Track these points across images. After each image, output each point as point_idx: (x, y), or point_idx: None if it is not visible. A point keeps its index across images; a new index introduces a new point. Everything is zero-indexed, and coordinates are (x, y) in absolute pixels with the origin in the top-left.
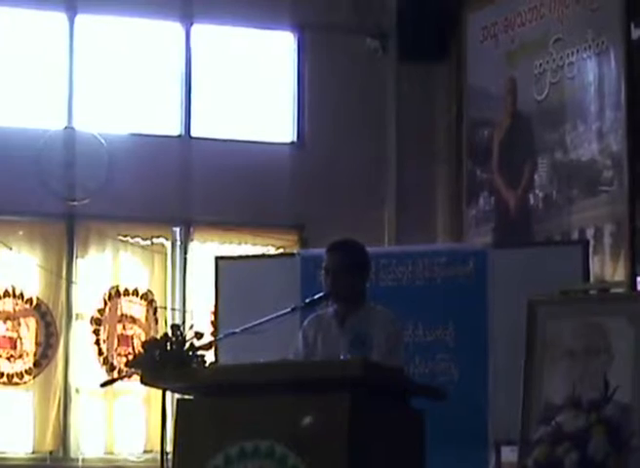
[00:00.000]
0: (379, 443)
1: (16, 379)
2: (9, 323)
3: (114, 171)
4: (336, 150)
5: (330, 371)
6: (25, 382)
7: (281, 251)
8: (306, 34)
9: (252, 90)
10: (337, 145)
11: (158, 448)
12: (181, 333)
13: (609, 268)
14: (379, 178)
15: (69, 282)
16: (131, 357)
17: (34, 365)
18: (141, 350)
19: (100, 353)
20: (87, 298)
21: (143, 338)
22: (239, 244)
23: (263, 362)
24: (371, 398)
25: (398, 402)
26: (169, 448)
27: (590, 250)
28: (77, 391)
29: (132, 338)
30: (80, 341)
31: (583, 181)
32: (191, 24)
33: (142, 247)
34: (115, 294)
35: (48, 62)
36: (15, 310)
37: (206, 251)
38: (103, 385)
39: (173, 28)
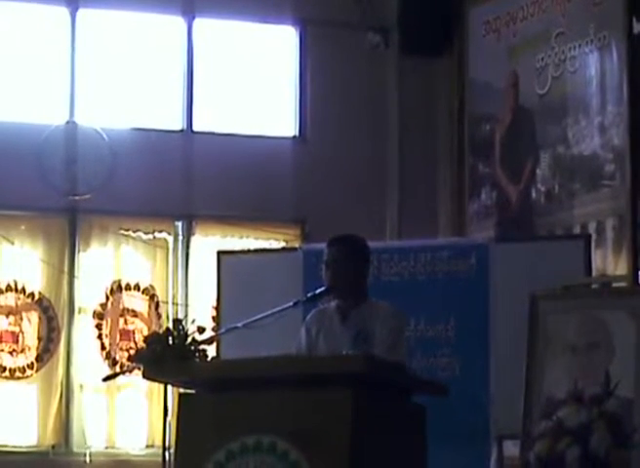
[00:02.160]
0: (380, 438)
1: (18, 374)
2: (11, 317)
3: (116, 165)
4: (338, 144)
5: (332, 367)
6: (28, 377)
7: (283, 245)
8: (308, 28)
9: (254, 84)
10: (339, 140)
11: (160, 442)
12: (183, 328)
13: (611, 262)
14: (381, 173)
15: (71, 276)
16: (133, 351)
17: (36, 359)
18: (144, 344)
19: (103, 347)
20: (89, 293)
21: (145, 333)
22: (241, 238)
23: (265, 356)
24: (373, 393)
25: (400, 397)
26: (171, 442)
27: (592, 244)
28: (79, 385)
29: (134, 333)
30: (82, 336)
31: (585, 176)
32: (193, 19)
33: (145, 241)
34: (117, 289)
35: (50, 57)
36: (17, 304)
37: (208, 245)
38: (106, 380)
39: (175, 22)
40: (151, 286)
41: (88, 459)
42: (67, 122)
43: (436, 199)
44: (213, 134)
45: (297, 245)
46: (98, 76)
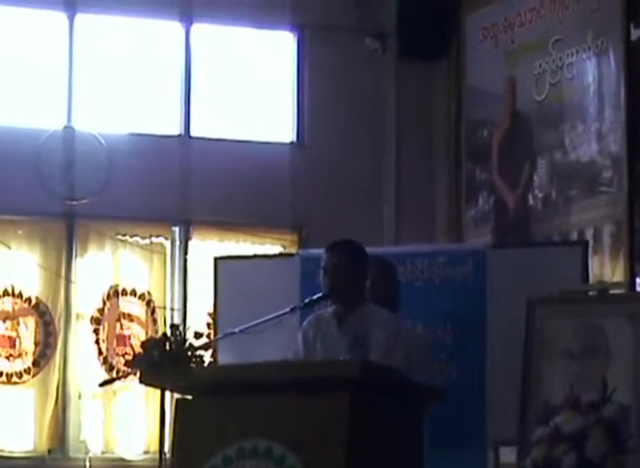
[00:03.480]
0: (377, 443)
1: (15, 379)
2: (8, 322)
3: (114, 170)
4: (335, 150)
5: (329, 372)
6: (24, 382)
7: (280, 251)
8: (306, 34)
9: (251, 90)
10: (336, 145)
11: (157, 447)
12: (180, 333)
13: (608, 269)
14: (378, 178)
15: (68, 281)
16: (129, 357)
17: (33, 364)
18: (141, 350)
19: (100, 352)
20: (86, 298)
21: (142, 338)
22: (238, 243)
23: (262, 362)
24: (370, 398)
25: (397, 402)
26: (167, 447)
27: (589, 250)
28: (76, 390)
29: (130, 338)
30: (79, 341)
31: (583, 182)
32: (191, 24)
33: (142, 246)
34: (114, 294)
35: (47, 62)
36: (14, 309)
37: (205, 250)
38: (102, 385)
39: (172, 28)
40: (148, 291)
41: (85, 464)
42: (65, 127)
43: (433, 205)
44: (210, 139)
45: (294, 250)
46: (95, 81)
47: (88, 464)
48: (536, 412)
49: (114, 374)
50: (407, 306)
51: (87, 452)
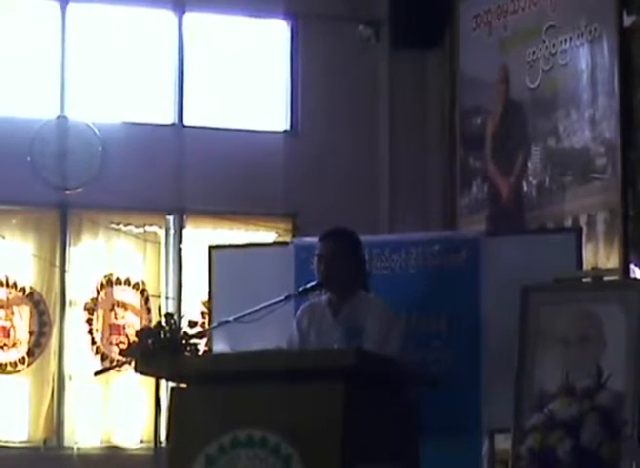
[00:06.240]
0: (372, 432)
1: (9, 368)
2: (2, 312)
3: (107, 159)
4: (329, 138)
5: (323, 361)
6: (19, 371)
7: (274, 239)
8: (299, 22)
9: (245, 78)
10: (330, 133)
11: (152, 436)
12: (175, 322)
13: (602, 256)
14: (372, 166)
15: (63, 270)
16: (124, 345)
17: (28, 353)
18: (135, 339)
19: (93, 342)
20: (80, 287)
21: (136, 327)
22: (232, 232)
23: (257, 350)
24: (364, 387)
25: (392, 391)
26: (163, 436)
27: (584, 237)
28: (70, 379)
29: (124, 327)
30: (73, 330)
31: (576, 169)
32: (184, 12)
33: (136, 235)
34: (108, 283)
35: (40, 51)
36: (8, 299)
37: (199, 239)
38: (97, 374)
39: (165, 16)
40: (142, 280)
41: (79, 454)
42: (58, 116)
43: (427, 192)
44: (204, 128)
45: (288, 238)
46: (88, 70)
47: (82, 453)
48: (530, 400)
49: (109, 363)
50: (401, 294)
51: (82, 442)
